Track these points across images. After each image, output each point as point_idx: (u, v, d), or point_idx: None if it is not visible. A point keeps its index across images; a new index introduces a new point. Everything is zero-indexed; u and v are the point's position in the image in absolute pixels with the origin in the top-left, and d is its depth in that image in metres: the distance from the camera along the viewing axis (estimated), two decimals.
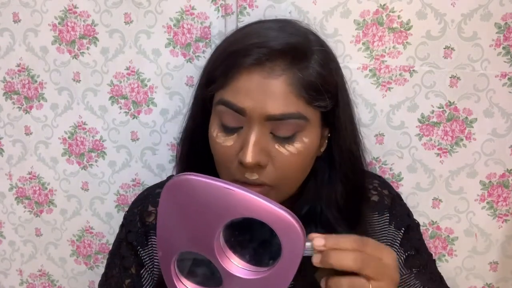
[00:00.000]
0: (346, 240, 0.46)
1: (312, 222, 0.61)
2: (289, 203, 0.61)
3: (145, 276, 0.66)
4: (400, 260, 0.67)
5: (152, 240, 0.67)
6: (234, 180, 0.56)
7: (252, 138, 0.53)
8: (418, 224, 0.72)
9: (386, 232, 0.68)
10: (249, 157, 0.52)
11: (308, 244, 0.47)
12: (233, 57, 0.54)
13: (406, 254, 0.68)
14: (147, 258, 0.67)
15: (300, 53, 0.55)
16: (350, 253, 0.45)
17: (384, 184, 0.72)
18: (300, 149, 0.55)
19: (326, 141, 0.61)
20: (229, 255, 0.49)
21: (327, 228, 0.61)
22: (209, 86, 0.57)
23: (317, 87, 0.54)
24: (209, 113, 0.59)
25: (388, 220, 0.68)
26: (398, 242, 0.68)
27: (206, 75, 0.59)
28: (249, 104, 0.52)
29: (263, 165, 0.54)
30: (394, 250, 0.67)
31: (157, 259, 0.66)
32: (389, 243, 0.67)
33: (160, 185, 0.71)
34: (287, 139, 0.54)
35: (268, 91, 0.52)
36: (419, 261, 0.68)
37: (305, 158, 0.56)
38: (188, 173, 0.47)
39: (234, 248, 0.50)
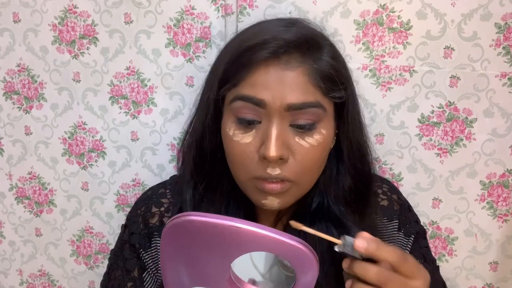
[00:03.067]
0: (387, 253, 0.47)
1: (322, 218, 0.61)
2: (300, 199, 0.60)
3: (147, 279, 0.66)
4: None
5: (156, 242, 0.66)
6: (255, 178, 0.55)
7: (274, 131, 0.53)
8: (425, 231, 0.72)
9: (395, 238, 0.67)
10: (273, 150, 0.52)
11: (349, 240, 0.48)
12: (247, 53, 0.54)
13: None
14: (150, 261, 0.66)
15: (314, 45, 0.56)
16: (376, 268, 0.47)
17: (393, 189, 0.72)
18: (320, 140, 0.55)
19: (335, 137, 0.61)
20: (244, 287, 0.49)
21: (336, 223, 0.61)
22: (222, 87, 0.57)
23: (332, 78, 0.55)
24: (219, 116, 0.59)
25: (397, 226, 0.68)
26: (408, 249, 0.67)
27: (218, 76, 0.58)
28: (269, 95, 0.52)
29: (285, 158, 0.53)
30: None
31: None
32: None
33: (163, 185, 0.71)
34: (307, 131, 0.54)
35: (287, 82, 0.53)
36: (426, 269, 0.67)
37: (324, 150, 0.57)
38: (189, 213, 0.46)
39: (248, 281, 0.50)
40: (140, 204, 0.69)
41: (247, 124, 0.55)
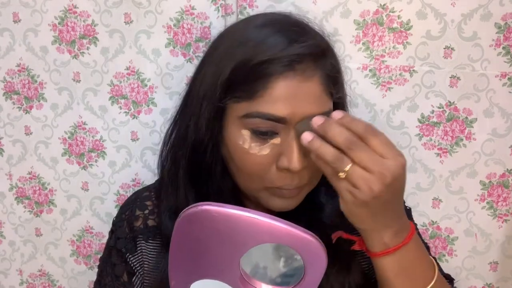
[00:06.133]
0: (358, 124, 0.48)
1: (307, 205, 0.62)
2: None
3: (137, 283, 0.65)
4: None
5: (141, 245, 0.65)
6: (270, 187, 0.56)
7: (296, 144, 0.53)
8: (408, 210, 0.70)
9: None
10: (298, 163, 0.52)
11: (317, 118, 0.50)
12: (259, 67, 0.53)
13: None
14: (137, 264, 0.65)
15: (322, 50, 0.56)
16: (347, 132, 0.48)
17: None
18: None
19: None
20: (252, 281, 0.49)
21: (316, 205, 0.62)
22: (227, 97, 0.55)
23: (338, 80, 0.57)
24: (217, 123, 0.57)
25: None
26: None
27: (222, 85, 0.55)
28: (289, 111, 0.52)
29: (306, 167, 0.54)
30: None
31: (147, 265, 0.65)
32: None
33: (148, 188, 0.70)
34: None
35: (306, 95, 0.53)
36: None
37: None
38: (205, 203, 0.45)
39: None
40: (124, 209, 0.68)
41: (263, 136, 0.54)
